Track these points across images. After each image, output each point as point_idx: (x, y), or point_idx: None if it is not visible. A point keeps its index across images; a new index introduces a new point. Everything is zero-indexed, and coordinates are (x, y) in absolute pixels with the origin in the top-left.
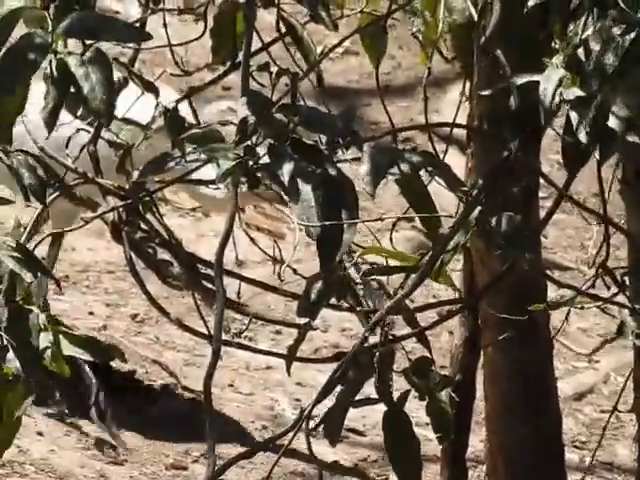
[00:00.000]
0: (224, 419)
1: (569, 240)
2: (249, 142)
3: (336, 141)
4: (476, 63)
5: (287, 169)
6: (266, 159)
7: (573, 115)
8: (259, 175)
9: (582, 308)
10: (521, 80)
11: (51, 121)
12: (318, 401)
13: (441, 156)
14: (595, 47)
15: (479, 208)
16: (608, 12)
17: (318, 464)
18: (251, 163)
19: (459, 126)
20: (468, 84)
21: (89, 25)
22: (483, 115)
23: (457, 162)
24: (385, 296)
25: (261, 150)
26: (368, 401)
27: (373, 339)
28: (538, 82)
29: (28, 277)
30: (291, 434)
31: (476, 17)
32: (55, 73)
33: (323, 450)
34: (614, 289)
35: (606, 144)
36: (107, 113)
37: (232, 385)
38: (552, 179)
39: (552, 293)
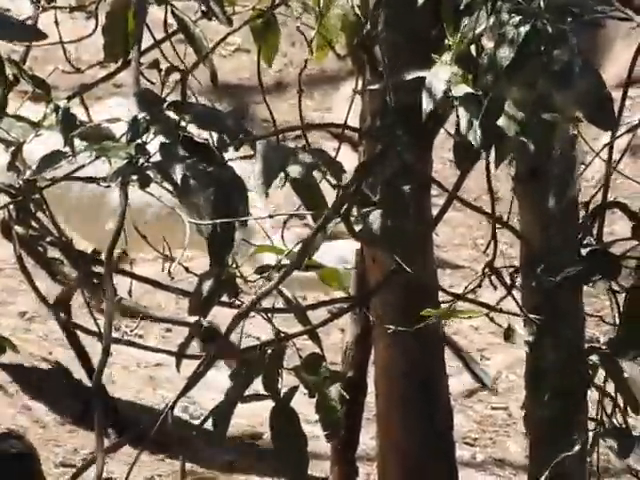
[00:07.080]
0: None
1: (461, 238)
2: (140, 140)
3: (227, 140)
4: (367, 60)
5: (179, 168)
6: (158, 157)
7: (461, 113)
8: (150, 173)
9: (470, 318)
10: (410, 76)
11: None
12: (182, 394)
13: (333, 154)
14: (488, 44)
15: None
16: (503, 4)
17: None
18: (142, 161)
19: (349, 128)
20: (360, 81)
21: None
22: (375, 112)
23: (349, 160)
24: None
25: (152, 148)
26: (256, 397)
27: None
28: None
29: None
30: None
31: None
32: None
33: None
34: (501, 290)
35: (495, 146)
36: None
37: (121, 382)
38: (445, 176)
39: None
